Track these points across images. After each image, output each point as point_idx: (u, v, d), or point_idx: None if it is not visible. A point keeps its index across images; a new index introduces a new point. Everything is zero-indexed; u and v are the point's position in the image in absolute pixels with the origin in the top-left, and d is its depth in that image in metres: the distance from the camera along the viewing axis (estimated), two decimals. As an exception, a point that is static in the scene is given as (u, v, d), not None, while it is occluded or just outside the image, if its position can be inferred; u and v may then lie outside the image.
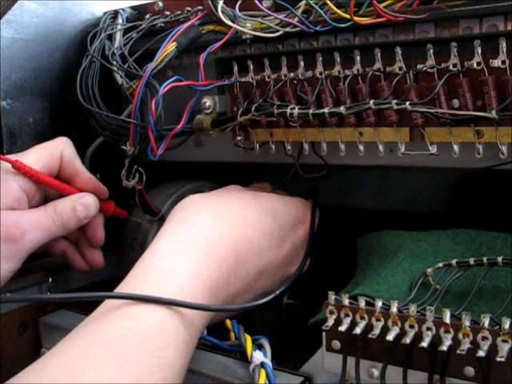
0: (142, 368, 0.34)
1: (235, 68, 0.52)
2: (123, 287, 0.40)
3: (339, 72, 0.46)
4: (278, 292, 0.47)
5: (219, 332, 0.48)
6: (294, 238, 0.51)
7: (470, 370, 0.34)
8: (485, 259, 0.42)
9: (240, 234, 0.46)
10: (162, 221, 0.53)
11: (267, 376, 0.40)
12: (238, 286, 0.45)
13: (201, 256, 0.43)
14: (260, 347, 0.44)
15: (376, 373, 0.37)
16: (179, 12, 0.56)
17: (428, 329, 0.35)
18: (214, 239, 0.44)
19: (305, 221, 0.53)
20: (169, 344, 0.36)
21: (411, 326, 0.36)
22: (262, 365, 0.41)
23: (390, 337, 0.36)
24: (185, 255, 0.42)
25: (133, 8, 0.60)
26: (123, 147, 0.51)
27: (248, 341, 0.44)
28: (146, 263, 0.42)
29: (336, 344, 0.39)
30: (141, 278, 0.41)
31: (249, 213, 0.48)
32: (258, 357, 0.41)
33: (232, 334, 0.47)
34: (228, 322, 0.48)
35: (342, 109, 0.44)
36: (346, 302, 0.38)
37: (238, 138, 0.52)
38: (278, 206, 0.51)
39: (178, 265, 0.41)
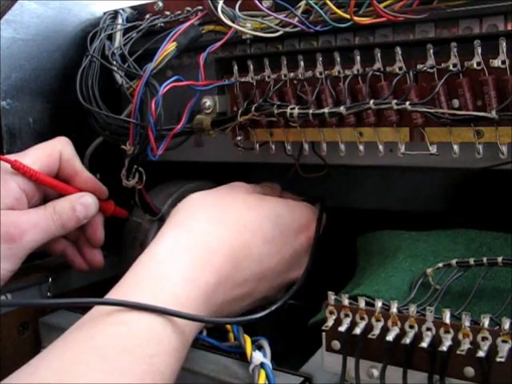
0: (131, 375, 0.34)
1: (235, 68, 0.52)
2: (118, 290, 0.40)
3: (339, 72, 0.46)
4: (273, 308, 0.46)
5: (218, 333, 0.48)
6: (296, 244, 0.50)
7: (469, 371, 0.34)
8: (485, 259, 0.42)
9: (239, 240, 0.46)
10: (162, 220, 0.53)
11: (267, 376, 0.40)
12: (236, 291, 0.45)
13: (197, 262, 0.42)
14: (259, 348, 0.44)
15: (376, 373, 0.37)
16: (179, 12, 0.56)
17: (428, 329, 0.35)
18: (213, 245, 0.44)
19: (308, 228, 0.52)
20: (159, 351, 0.36)
21: (411, 327, 0.36)
22: (262, 365, 0.41)
23: (390, 337, 0.36)
24: (181, 261, 0.42)
25: (133, 8, 0.60)
26: (123, 147, 0.51)
27: (247, 342, 0.44)
28: (142, 267, 0.42)
29: (336, 344, 0.39)
30: (135, 282, 0.41)
31: (250, 218, 0.48)
32: (257, 357, 0.41)
33: (231, 335, 0.47)
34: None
35: (341, 109, 0.44)
36: (346, 302, 0.38)
37: (238, 138, 0.52)
38: (282, 212, 0.50)
39: (173, 270, 0.41)
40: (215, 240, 0.45)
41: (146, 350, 0.35)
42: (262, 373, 0.40)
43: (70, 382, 0.33)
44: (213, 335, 0.47)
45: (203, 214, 0.47)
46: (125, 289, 0.40)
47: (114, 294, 0.40)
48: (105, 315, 0.37)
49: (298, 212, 0.52)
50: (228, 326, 0.47)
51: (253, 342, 0.45)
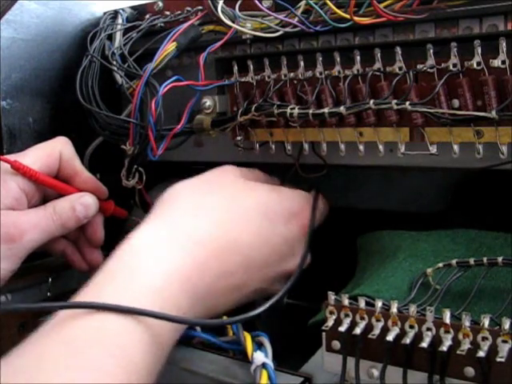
0: (103, 370, 0.32)
1: (235, 68, 0.52)
2: (94, 285, 0.38)
3: (339, 72, 0.46)
4: (267, 305, 0.43)
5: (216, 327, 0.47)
6: (287, 233, 0.48)
7: (470, 371, 0.34)
8: (485, 259, 0.42)
9: (223, 230, 0.44)
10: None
11: (269, 377, 0.40)
12: (221, 284, 0.43)
13: (177, 253, 0.40)
14: (260, 345, 0.44)
15: (376, 373, 0.37)
16: (179, 12, 0.56)
17: (428, 329, 0.35)
18: (195, 236, 0.42)
19: (302, 215, 0.49)
20: (133, 346, 0.34)
21: (411, 327, 0.36)
22: (264, 365, 0.40)
23: (390, 337, 0.36)
24: (160, 252, 0.40)
25: (133, 8, 0.60)
26: (123, 147, 0.51)
27: (248, 339, 0.44)
28: (119, 259, 0.40)
29: (336, 344, 0.39)
30: (111, 276, 0.39)
31: (236, 209, 0.45)
32: (259, 357, 0.41)
33: (230, 332, 0.46)
34: (225, 318, 0.47)
35: (342, 109, 0.44)
36: (346, 302, 0.38)
37: (238, 138, 0.52)
38: (271, 199, 0.47)
39: (151, 263, 0.39)
40: (197, 231, 0.42)
41: (119, 343, 0.34)
42: (264, 373, 0.40)
43: (35, 378, 0.31)
44: (209, 329, 0.47)
45: (186, 204, 0.45)
46: (101, 283, 0.38)
47: (90, 289, 0.38)
48: (74, 313, 0.35)
49: (289, 199, 0.49)
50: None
51: (252, 338, 0.44)
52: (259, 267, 0.46)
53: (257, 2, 0.47)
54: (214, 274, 0.42)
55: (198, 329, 0.46)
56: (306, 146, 0.50)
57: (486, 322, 0.34)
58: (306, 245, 0.49)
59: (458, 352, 0.34)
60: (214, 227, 0.43)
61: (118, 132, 0.52)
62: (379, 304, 0.37)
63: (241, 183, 0.48)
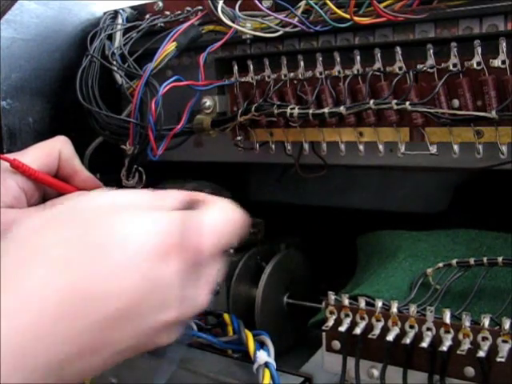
0: None
1: (235, 68, 0.52)
2: None
3: (339, 72, 0.46)
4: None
5: (215, 325, 0.47)
6: (159, 275, 0.35)
7: (470, 371, 0.34)
8: (485, 259, 0.42)
9: (71, 282, 0.33)
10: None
11: (271, 376, 0.40)
12: (73, 351, 0.33)
13: (7, 318, 0.30)
14: (261, 344, 0.43)
15: (376, 373, 0.37)
16: (179, 12, 0.56)
17: (428, 329, 0.35)
18: (30, 293, 0.32)
19: (183, 249, 0.35)
20: None
21: (411, 327, 0.36)
22: (266, 364, 0.40)
23: (390, 337, 0.36)
24: None
25: (133, 8, 0.60)
26: (123, 147, 0.51)
27: (249, 338, 0.44)
28: None
29: (336, 344, 0.39)
30: None
31: (88, 249, 0.34)
32: (262, 356, 0.41)
33: (230, 328, 0.46)
34: (226, 316, 0.47)
35: (342, 109, 0.44)
36: (346, 302, 0.38)
37: (238, 138, 0.52)
38: (138, 233, 0.35)
39: None
40: (33, 283, 0.32)
41: None
42: (267, 372, 0.40)
43: None
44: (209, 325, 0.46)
45: (24, 247, 0.35)
46: None
47: None
48: None
49: (167, 228, 0.35)
50: (227, 319, 0.47)
51: (254, 337, 0.44)
52: (123, 321, 0.34)
53: (257, 2, 0.47)
54: (60, 339, 0.32)
55: (194, 327, 0.46)
56: (306, 146, 0.50)
57: (486, 321, 0.34)
58: (196, 284, 0.36)
59: (458, 352, 0.34)
60: (56, 276, 0.33)
61: (118, 132, 0.52)
62: (379, 304, 0.37)
63: (100, 213, 0.37)
